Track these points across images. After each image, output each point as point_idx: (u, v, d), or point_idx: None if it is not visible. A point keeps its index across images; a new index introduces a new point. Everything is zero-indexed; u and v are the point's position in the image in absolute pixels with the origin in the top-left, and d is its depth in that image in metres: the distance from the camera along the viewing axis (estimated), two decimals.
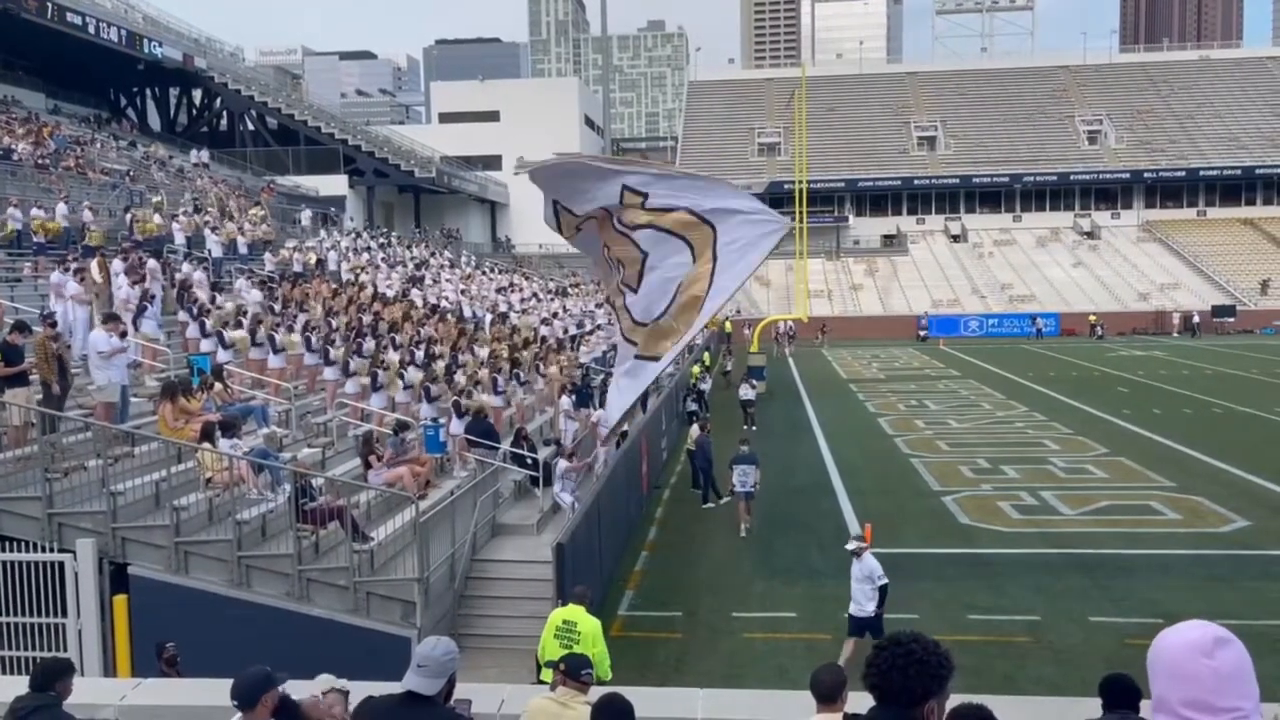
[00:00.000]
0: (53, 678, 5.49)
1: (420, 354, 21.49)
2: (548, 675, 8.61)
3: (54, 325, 13.30)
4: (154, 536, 11.15)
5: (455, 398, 18.09)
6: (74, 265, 18.28)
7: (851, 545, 11.41)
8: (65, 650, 10.20)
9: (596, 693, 5.42)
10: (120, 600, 10.76)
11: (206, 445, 12.11)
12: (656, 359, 6.83)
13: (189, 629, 10.13)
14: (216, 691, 6.66)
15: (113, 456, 11.62)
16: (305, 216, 40.57)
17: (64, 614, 10.51)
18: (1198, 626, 2.23)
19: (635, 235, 6.65)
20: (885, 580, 11.11)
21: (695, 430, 21.23)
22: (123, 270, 19.32)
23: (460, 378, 19.67)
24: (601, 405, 18.52)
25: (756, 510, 18.28)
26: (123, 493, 11.21)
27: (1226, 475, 21.11)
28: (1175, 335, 58.84)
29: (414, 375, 18.99)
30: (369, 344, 20.51)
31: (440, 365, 20.51)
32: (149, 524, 11.26)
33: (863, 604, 11.13)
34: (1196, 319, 59.61)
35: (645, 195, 6.60)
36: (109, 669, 10.56)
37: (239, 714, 4.65)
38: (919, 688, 2.58)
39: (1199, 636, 2.18)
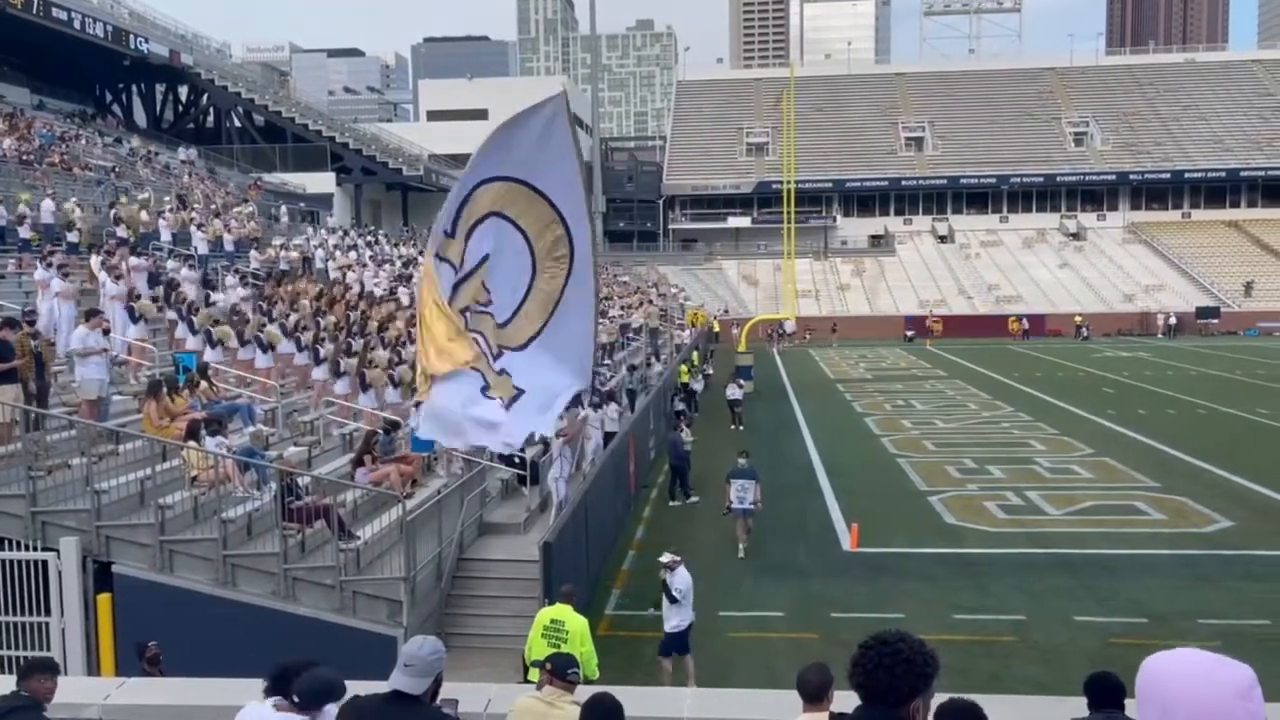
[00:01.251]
0: (24, 676, 5.45)
1: (409, 350, 21.45)
2: (535, 675, 8.61)
3: (32, 323, 13.20)
4: (138, 535, 11.08)
5: None
6: (56, 261, 18.15)
7: (665, 558, 11.13)
8: (49, 649, 10.14)
9: (584, 692, 5.42)
10: (104, 599, 10.69)
11: (191, 443, 12.05)
12: (522, 347, 6.80)
13: (173, 628, 10.08)
14: (201, 691, 6.64)
15: (97, 455, 11.55)
16: (284, 213, 40.05)
17: (47, 613, 10.44)
18: (1225, 665, 2.06)
19: (478, 231, 6.68)
20: (679, 598, 10.80)
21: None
22: (103, 267, 19.19)
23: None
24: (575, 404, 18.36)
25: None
26: (107, 491, 11.14)
27: (1210, 475, 21.25)
28: (1160, 336, 59.20)
29: (404, 373, 18.94)
30: (358, 343, 20.44)
31: None
32: (133, 522, 11.19)
33: (672, 619, 10.89)
34: (1174, 320, 59.92)
35: (490, 181, 6.62)
36: (93, 668, 10.50)
37: (270, 700, 4.64)
38: (905, 687, 2.58)
39: (1234, 677, 2.02)
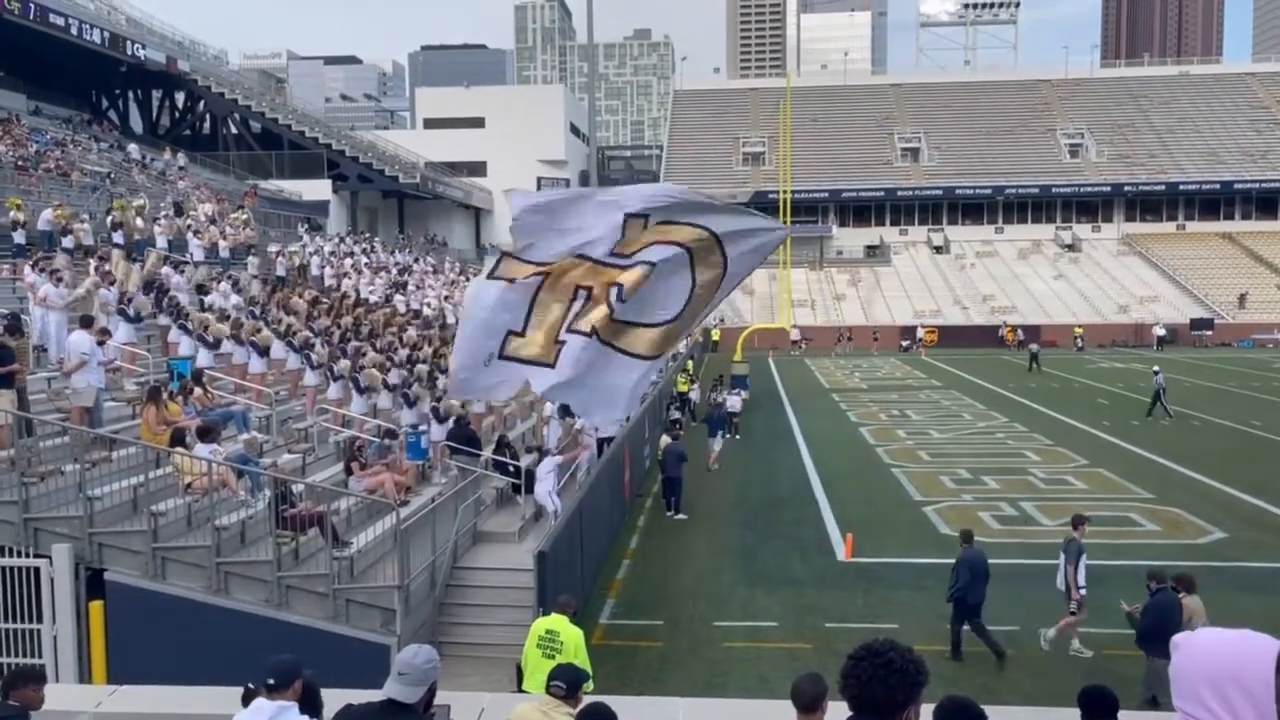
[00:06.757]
0: (12, 685, 5.43)
1: (402, 355, 21.47)
2: (529, 684, 8.59)
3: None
4: (131, 542, 11.05)
5: (434, 404, 18.04)
6: (49, 267, 18.11)
7: None
8: (40, 656, 10.10)
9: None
10: (96, 606, 10.66)
11: (182, 450, 12.01)
12: (650, 358, 6.51)
13: (165, 635, 10.06)
14: (192, 699, 6.62)
15: (90, 461, 11.52)
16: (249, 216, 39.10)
17: (39, 620, 10.40)
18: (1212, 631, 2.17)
19: (639, 256, 6.34)
20: None
21: (665, 438, 21.12)
22: (96, 273, 19.18)
23: (442, 382, 19.61)
24: (567, 414, 18.40)
25: (739, 521, 18.31)
26: (100, 498, 11.11)
27: (1204, 487, 21.28)
28: (1155, 349, 59.28)
29: (397, 378, 18.95)
30: (351, 348, 20.44)
31: (423, 369, 20.46)
32: (126, 529, 11.16)
33: None
34: (1162, 331, 59.86)
35: (647, 216, 6.33)
36: (84, 675, 10.45)
37: (262, 697, 4.65)
38: (900, 697, 2.59)
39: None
